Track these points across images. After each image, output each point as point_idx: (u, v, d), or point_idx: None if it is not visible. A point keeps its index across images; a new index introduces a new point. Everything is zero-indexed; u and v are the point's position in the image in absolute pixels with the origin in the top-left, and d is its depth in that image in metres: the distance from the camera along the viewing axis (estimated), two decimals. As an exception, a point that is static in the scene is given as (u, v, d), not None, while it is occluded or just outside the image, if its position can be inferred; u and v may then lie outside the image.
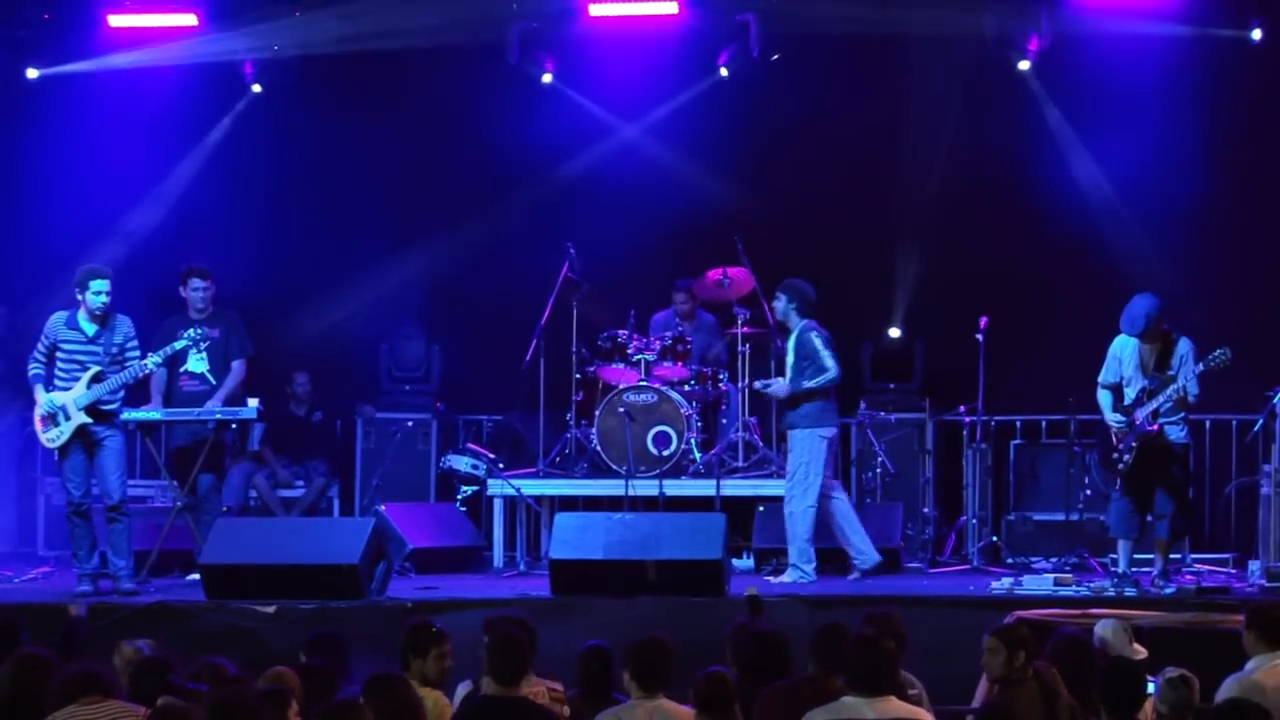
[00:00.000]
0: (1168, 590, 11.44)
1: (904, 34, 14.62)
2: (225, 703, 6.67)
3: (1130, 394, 11.73)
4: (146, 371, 12.06)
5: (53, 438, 11.96)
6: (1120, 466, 11.70)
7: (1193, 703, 7.78)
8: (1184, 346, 11.66)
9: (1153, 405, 11.57)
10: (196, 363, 12.69)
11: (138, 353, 12.04)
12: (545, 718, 7.52)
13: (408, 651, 8.18)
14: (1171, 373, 11.60)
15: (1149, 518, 11.79)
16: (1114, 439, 11.73)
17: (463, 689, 8.35)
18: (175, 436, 12.88)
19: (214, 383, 12.68)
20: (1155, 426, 11.58)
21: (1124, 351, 11.79)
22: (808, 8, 14.65)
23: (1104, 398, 11.85)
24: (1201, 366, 11.48)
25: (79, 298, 11.99)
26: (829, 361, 12.48)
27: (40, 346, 12.06)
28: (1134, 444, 11.61)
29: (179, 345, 12.20)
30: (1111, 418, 11.74)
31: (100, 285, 11.94)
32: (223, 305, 12.92)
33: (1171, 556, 12.10)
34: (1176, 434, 11.70)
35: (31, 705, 7.04)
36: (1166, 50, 14.37)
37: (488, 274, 15.30)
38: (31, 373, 12.07)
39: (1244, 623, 8.60)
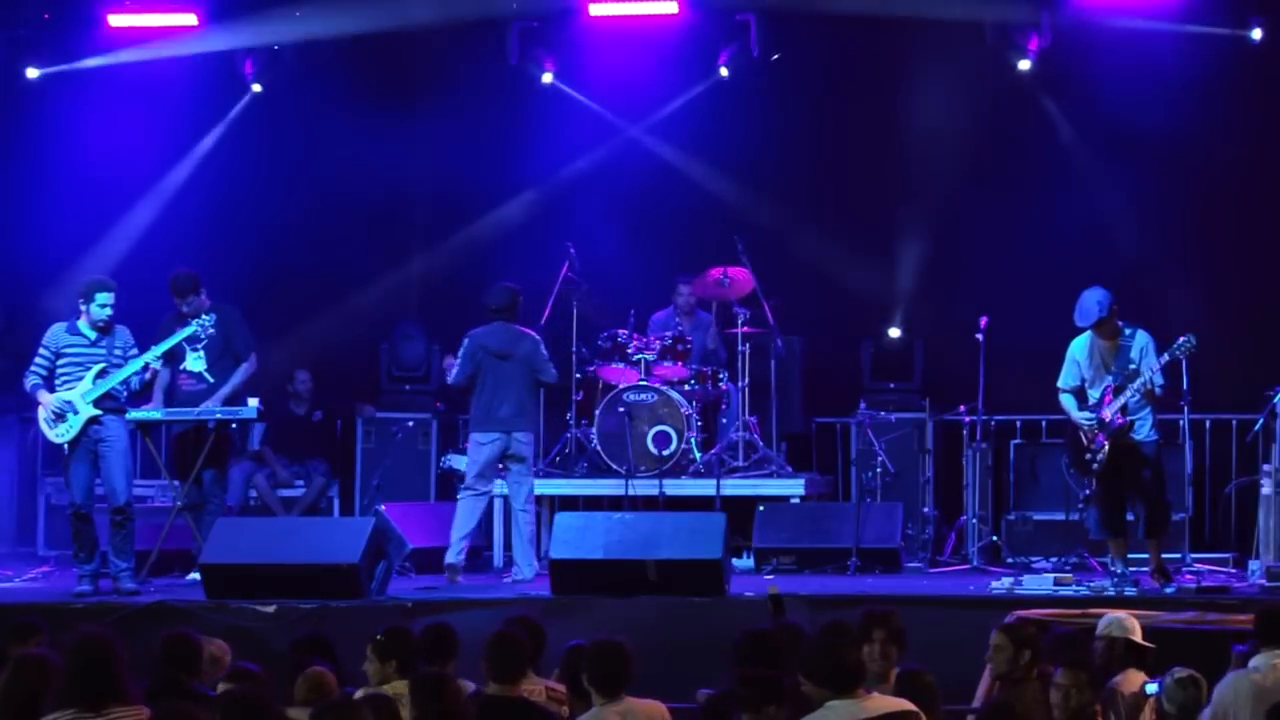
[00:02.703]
0: (1168, 590, 11.41)
1: (904, 34, 14.62)
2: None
3: (1095, 394, 11.64)
4: (150, 369, 12.01)
5: (61, 433, 11.93)
6: (1095, 466, 11.63)
7: (1200, 703, 7.78)
8: (1142, 339, 11.57)
9: (1120, 401, 11.50)
10: (194, 361, 12.69)
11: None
12: (543, 717, 7.51)
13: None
14: (1133, 367, 11.54)
15: (1129, 516, 11.78)
16: (1084, 439, 11.68)
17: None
18: (175, 429, 12.88)
19: (211, 381, 12.67)
20: (1124, 420, 11.52)
21: (1081, 353, 11.71)
22: (808, 7, 14.66)
23: (1067, 401, 11.74)
24: (1167, 356, 11.42)
25: (82, 308, 11.97)
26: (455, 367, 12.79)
27: (40, 358, 12.01)
28: (1105, 442, 11.56)
29: (188, 331, 12.17)
30: (1080, 416, 11.64)
31: (105, 298, 11.94)
32: (221, 303, 12.91)
33: (1167, 556, 12.08)
34: (1145, 431, 11.62)
35: (32, 708, 7.03)
36: (1166, 49, 14.37)
37: (488, 273, 15.29)
38: (30, 384, 12.01)
39: (1253, 622, 8.61)
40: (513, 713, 7.45)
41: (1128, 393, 11.47)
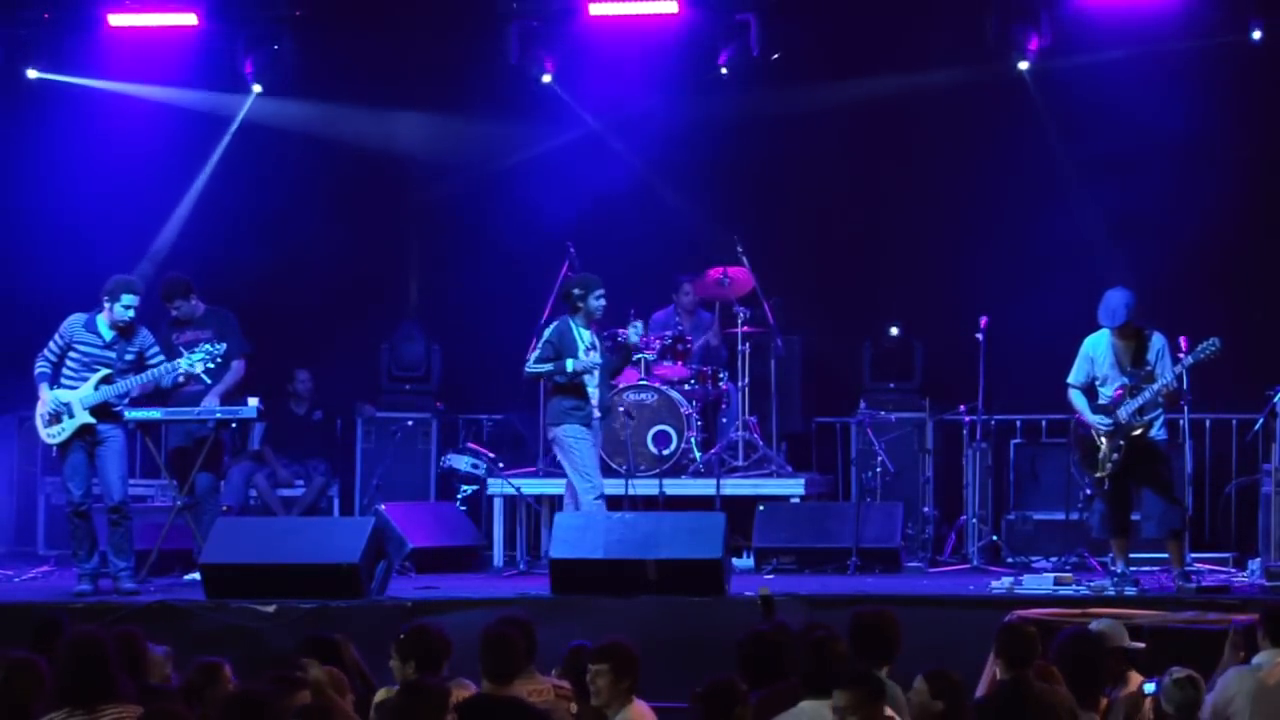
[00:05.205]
0: (1189, 588, 11.39)
1: (904, 34, 14.62)
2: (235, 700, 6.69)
3: (1106, 393, 11.68)
4: (171, 380, 11.99)
5: (53, 434, 11.94)
6: (1108, 466, 11.65)
7: (1199, 704, 7.77)
8: (1159, 342, 11.62)
9: (1137, 402, 11.53)
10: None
11: (160, 357, 12.01)
12: (537, 716, 7.48)
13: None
14: (1149, 369, 11.57)
15: (1135, 516, 11.78)
16: (1095, 436, 11.69)
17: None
18: (173, 437, 12.86)
19: (209, 384, 12.65)
20: (1141, 420, 11.54)
21: (1096, 350, 11.75)
22: (808, 8, 14.67)
23: (1077, 398, 11.78)
24: (1191, 359, 11.44)
25: (106, 305, 11.93)
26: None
27: (53, 346, 12.00)
28: (1122, 444, 11.57)
29: (196, 358, 12.09)
30: (1095, 419, 11.69)
31: (130, 300, 11.92)
32: (218, 305, 12.90)
33: (1165, 556, 12.07)
34: (1156, 429, 11.66)
35: (22, 710, 7.02)
36: (1166, 51, 14.36)
37: (488, 273, 15.31)
38: (38, 370, 12.01)
39: (1257, 621, 8.61)
40: (506, 712, 7.40)
41: (1145, 394, 11.48)
